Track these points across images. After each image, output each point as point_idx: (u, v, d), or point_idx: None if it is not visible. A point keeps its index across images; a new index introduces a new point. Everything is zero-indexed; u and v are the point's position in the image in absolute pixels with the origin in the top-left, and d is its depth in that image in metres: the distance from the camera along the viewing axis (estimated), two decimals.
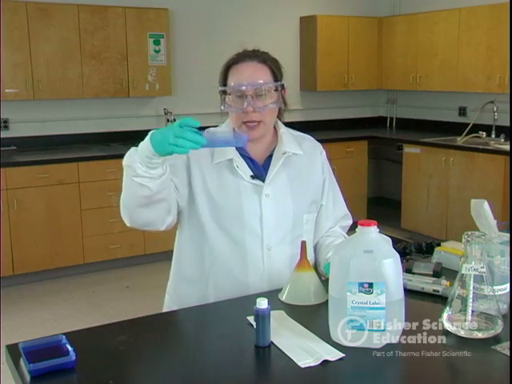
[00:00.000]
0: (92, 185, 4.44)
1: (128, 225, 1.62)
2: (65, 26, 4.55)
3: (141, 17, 4.83)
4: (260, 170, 1.69)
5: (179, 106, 5.21)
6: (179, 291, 1.76)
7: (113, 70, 4.76)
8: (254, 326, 1.30)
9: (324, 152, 1.82)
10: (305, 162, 1.75)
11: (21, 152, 4.58)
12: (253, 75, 1.61)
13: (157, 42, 4.92)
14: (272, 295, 1.52)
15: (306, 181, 1.74)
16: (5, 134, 4.67)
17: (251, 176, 1.67)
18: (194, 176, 1.66)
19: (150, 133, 1.45)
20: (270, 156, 1.71)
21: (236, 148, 1.67)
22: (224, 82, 1.66)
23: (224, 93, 1.65)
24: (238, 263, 1.66)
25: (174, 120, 5.08)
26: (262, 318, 1.28)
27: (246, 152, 1.69)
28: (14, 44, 4.39)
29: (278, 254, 1.68)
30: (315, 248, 1.81)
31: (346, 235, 1.83)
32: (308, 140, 1.81)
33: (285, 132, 1.74)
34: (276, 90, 1.64)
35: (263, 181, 1.67)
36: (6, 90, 4.40)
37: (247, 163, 1.69)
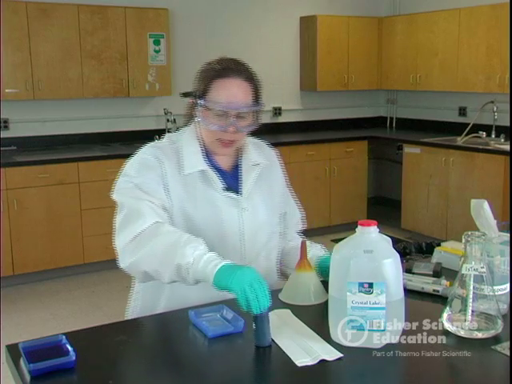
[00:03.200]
0: (92, 185, 4.44)
1: (122, 266, 1.54)
2: (65, 26, 4.54)
3: (141, 17, 4.83)
4: (231, 181, 1.66)
5: (179, 106, 5.12)
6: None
7: (113, 70, 4.76)
8: (254, 326, 1.30)
9: (279, 155, 1.82)
10: (270, 171, 1.74)
11: (21, 152, 4.58)
12: (238, 94, 1.57)
13: (157, 42, 4.92)
14: (272, 295, 1.51)
15: (275, 192, 1.74)
16: (5, 134, 4.67)
17: (225, 188, 1.63)
18: (172, 196, 1.59)
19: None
20: (237, 165, 1.69)
21: (206, 158, 1.64)
22: (203, 93, 1.60)
23: (200, 103, 1.59)
24: None
25: (174, 120, 5.08)
26: (262, 318, 1.28)
27: (216, 162, 1.67)
28: (14, 44, 4.39)
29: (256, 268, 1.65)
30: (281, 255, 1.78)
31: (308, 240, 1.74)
32: (266, 147, 1.80)
33: (246, 140, 1.71)
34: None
35: (237, 193, 1.64)
36: (6, 90, 4.39)
37: (217, 174, 1.64)
